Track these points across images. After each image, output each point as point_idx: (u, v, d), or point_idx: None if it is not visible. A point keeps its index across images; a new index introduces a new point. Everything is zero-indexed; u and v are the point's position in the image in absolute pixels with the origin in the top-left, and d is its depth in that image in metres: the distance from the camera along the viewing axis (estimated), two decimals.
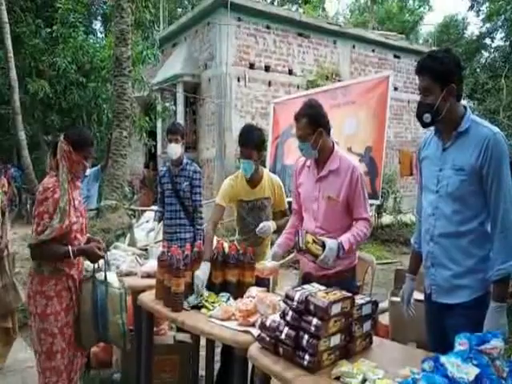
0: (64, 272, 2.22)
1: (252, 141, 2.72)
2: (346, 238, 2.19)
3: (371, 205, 8.35)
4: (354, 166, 2.32)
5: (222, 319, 2.15)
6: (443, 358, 1.43)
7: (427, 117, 1.80)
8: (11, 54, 9.23)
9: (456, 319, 1.78)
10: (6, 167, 14.55)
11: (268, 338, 1.79)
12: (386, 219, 9.77)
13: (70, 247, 2.18)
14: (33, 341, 2.24)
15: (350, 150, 4.37)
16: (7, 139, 15.22)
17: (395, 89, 12.19)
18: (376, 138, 4.22)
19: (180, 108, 11.23)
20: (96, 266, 2.33)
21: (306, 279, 2.33)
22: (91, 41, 11.63)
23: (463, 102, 1.89)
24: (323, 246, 2.12)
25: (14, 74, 9.29)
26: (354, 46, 12.46)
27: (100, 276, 2.31)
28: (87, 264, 2.39)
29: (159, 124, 11.50)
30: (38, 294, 2.17)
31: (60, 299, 2.20)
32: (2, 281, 3.21)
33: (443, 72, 1.75)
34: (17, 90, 9.45)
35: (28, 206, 10.86)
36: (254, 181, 2.82)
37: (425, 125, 1.84)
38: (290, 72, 11.37)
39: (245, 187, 2.83)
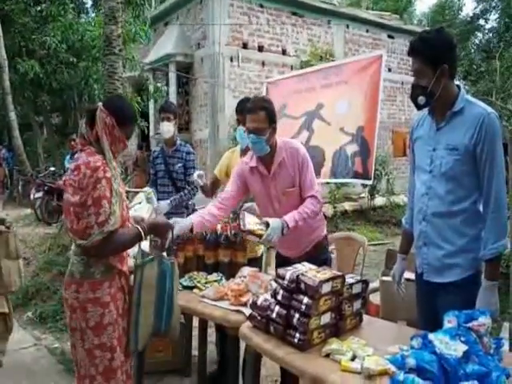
0: (116, 269, 1.82)
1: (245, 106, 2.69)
2: (290, 217, 2.18)
3: (364, 185, 8.44)
4: (297, 148, 2.29)
5: (214, 299, 2.16)
6: (431, 336, 1.45)
7: (421, 99, 1.79)
8: (0, 33, 9.02)
9: (447, 298, 1.80)
10: None
11: (259, 317, 1.81)
12: (379, 201, 9.82)
13: (138, 226, 1.82)
14: (82, 362, 1.79)
15: (342, 129, 4.34)
16: None
17: (389, 70, 12.11)
18: (368, 118, 4.18)
19: (172, 88, 11.08)
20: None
21: (284, 262, 2.29)
22: (83, 19, 11.37)
23: (457, 82, 1.88)
24: (267, 225, 2.13)
25: (3, 53, 9.11)
26: (347, 26, 12.29)
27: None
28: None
29: (151, 105, 11.35)
30: (89, 304, 1.75)
31: (116, 303, 1.80)
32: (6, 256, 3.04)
33: (434, 54, 1.74)
34: (6, 70, 9.28)
35: (20, 187, 10.76)
36: (246, 154, 2.77)
37: (419, 107, 1.83)
38: (284, 52, 11.22)
39: (237, 160, 2.84)
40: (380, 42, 12.90)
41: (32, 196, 8.19)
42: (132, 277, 1.88)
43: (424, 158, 1.88)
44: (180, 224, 2.11)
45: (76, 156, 1.82)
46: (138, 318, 1.85)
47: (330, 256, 2.61)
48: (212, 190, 3.16)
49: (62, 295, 1.82)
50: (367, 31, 12.67)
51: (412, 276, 2.72)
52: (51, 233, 5.86)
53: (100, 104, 1.84)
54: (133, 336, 1.86)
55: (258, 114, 2.21)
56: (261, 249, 2.81)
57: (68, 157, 6.37)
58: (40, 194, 7.95)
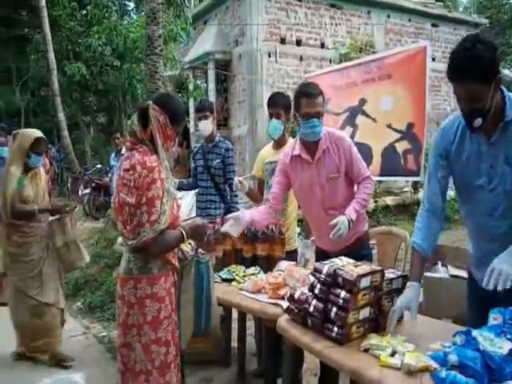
0: (171, 265, 1.85)
1: (280, 102, 2.87)
2: (351, 210, 2.23)
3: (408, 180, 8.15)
4: (342, 136, 2.38)
5: (252, 292, 2.19)
6: (475, 332, 1.41)
7: (478, 121, 1.54)
8: (49, 37, 9.48)
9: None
10: (47, 147, 15.13)
11: (297, 310, 1.81)
12: (423, 194, 9.51)
13: (181, 228, 1.84)
14: (137, 358, 1.79)
15: (389, 126, 4.25)
16: (48, 120, 15.79)
17: (433, 59, 11.66)
18: (416, 114, 4.08)
19: (211, 86, 11.22)
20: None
21: (324, 256, 2.30)
22: (125, 22, 11.72)
23: (506, 71, 1.71)
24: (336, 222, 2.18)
25: (52, 56, 9.55)
26: (388, 16, 11.95)
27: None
28: None
29: (191, 102, 11.56)
30: (147, 299, 1.77)
31: (170, 298, 1.84)
32: (63, 239, 3.21)
33: (488, 69, 1.49)
34: (55, 73, 9.73)
35: (69, 184, 11.29)
36: (279, 143, 2.93)
37: (475, 130, 1.59)
38: (322, 45, 11.08)
39: (270, 149, 3.01)
40: (423, 31, 12.46)
41: (80, 192, 8.57)
42: None
43: (478, 175, 1.68)
44: (240, 220, 2.20)
45: (126, 154, 1.81)
46: (179, 317, 1.90)
47: (371, 252, 2.58)
48: (260, 191, 3.13)
49: (118, 293, 1.84)
50: (409, 20, 12.26)
51: (459, 273, 2.63)
52: (98, 227, 6.12)
53: (151, 102, 1.81)
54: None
55: (318, 98, 2.26)
56: (296, 241, 2.81)
57: (113, 154, 6.58)
58: (88, 191, 8.31)
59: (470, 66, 1.48)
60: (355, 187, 2.39)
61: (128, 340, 1.80)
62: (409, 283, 1.80)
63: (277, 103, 2.87)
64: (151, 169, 1.71)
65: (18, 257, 3.05)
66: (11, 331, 3.20)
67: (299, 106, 2.27)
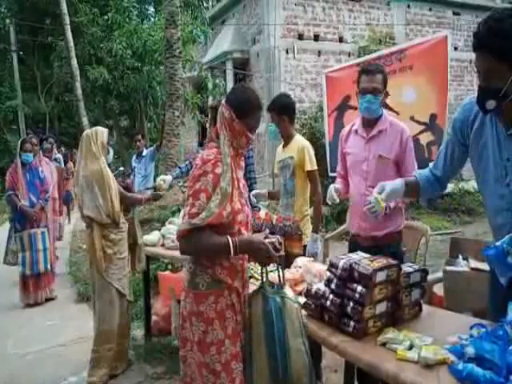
0: (225, 284, 1.66)
1: (272, 105, 2.96)
2: None
3: None
4: (404, 128, 2.40)
5: None
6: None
7: (491, 103, 1.45)
8: (72, 44, 9.74)
9: None
10: (72, 152, 15.54)
11: (313, 306, 1.82)
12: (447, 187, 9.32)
13: (229, 237, 1.62)
14: (192, 375, 1.68)
15: (412, 118, 4.21)
16: (72, 126, 16.21)
17: (455, 48, 11.42)
18: (439, 105, 4.04)
19: (229, 85, 11.29)
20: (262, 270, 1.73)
21: (354, 241, 2.44)
22: (145, 25, 11.93)
23: None
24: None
25: (75, 62, 9.82)
26: (408, 6, 11.76)
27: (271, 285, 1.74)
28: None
29: (210, 101, 11.67)
30: (193, 316, 1.64)
31: (223, 322, 1.64)
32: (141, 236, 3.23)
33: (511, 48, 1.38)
34: (78, 78, 9.99)
35: None
36: (286, 141, 3.04)
37: (487, 112, 1.51)
38: (341, 39, 10.99)
39: (281, 148, 3.13)
40: (445, 20, 12.21)
41: None
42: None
43: (494, 168, 1.60)
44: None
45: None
46: (251, 354, 1.68)
47: (402, 254, 2.50)
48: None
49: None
50: (430, 10, 12.04)
51: (480, 266, 2.59)
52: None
53: (223, 100, 1.79)
54: (247, 376, 1.68)
55: (376, 75, 2.34)
56: (307, 237, 2.84)
57: (134, 156, 6.71)
58: None
59: (490, 39, 1.39)
60: None
61: (183, 354, 1.71)
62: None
63: (268, 107, 2.96)
64: (205, 161, 1.64)
65: (115, 256, 2.92)
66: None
67: (359, 82, 2.38)
